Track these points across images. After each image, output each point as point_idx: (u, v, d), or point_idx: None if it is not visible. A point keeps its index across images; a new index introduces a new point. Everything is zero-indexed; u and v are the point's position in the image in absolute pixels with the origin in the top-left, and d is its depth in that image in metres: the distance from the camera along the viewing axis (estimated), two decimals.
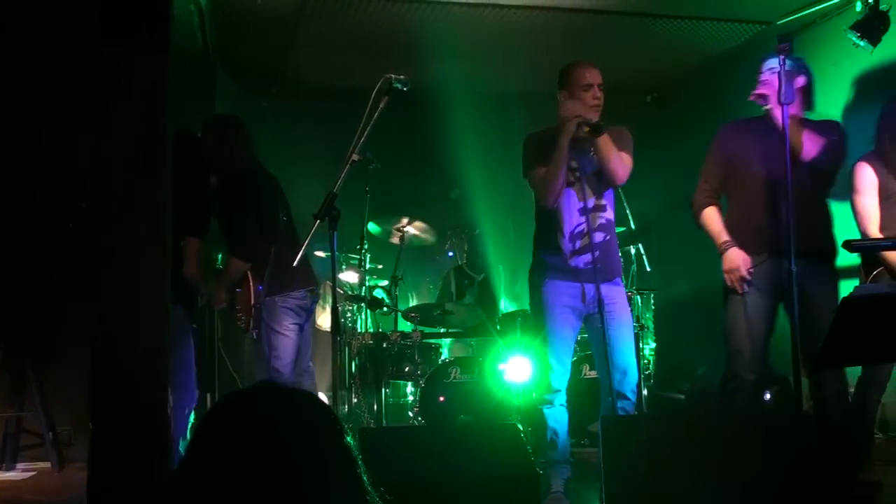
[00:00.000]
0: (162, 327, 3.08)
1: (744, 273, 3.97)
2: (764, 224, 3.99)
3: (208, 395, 5.53)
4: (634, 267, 6.00)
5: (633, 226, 5.55)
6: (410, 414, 5.80)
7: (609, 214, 4.09)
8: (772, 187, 3.95)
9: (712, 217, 4.16)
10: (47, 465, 5.03)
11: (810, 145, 3.98)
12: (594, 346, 4.14)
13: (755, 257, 4.02)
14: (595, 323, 3.96)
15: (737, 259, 4.00)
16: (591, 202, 4.03)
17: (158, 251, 3.11)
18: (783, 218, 3.73)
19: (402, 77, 3.58)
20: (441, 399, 5.55)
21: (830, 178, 4.11)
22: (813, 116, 4.14)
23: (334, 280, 3.52)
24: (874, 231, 4.18)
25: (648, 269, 5.94)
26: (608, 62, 6.26)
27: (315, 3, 5.84)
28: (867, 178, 4.20)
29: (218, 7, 5.81)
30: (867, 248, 4.12)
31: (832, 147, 4.03)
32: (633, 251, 5.98)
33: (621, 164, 3.98)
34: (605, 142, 3.92)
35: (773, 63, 3.89)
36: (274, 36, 6.44)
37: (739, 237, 4.07)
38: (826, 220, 4.12)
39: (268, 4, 5.73)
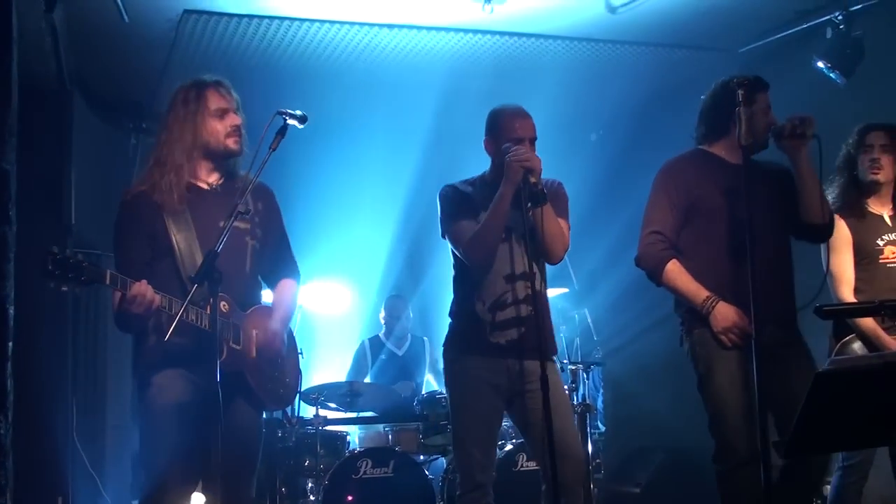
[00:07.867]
0: None
1: (746, 326, 3.77)
2: (734, 285, 3.87)
3: (60, 500, 5.39)
4: (578, 340, 6.04)
5: (575, 285, 5.62)
6: None
7: (539, 285, 4.03)
8: (742, 239, 3.75)
9: (680, 272, 3.98)
10: None
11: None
12: (526, 432, 4.13)
13: None
14: (523, 404, 3.96)
15: (731, 313, 3.84)
16: (519, 268, 4.04)
17: None
18: (754, 276, 3.55)
19: (297, 112, 3.54)
20: (349, 499, 5.51)
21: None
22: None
23: (216, 354, 3.46)
24: (848, 295, 4.31)
25: (595, 338, 6.01)
26: (545, 93, 6.44)
27: (190, 24, 5.89)
28: (841, 234, 4.32)
29: (76, 26, 5.78)
30: (843, 315, 4.22)
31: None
32: (577, 318, 6.04)
33: (560, 239, 3.97)
34: (547, 212, 3.88)
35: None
36: (143, 62, 6.44)
37: None
38: (792, 281, 4.08)
39: (136, 25, 5.74)
